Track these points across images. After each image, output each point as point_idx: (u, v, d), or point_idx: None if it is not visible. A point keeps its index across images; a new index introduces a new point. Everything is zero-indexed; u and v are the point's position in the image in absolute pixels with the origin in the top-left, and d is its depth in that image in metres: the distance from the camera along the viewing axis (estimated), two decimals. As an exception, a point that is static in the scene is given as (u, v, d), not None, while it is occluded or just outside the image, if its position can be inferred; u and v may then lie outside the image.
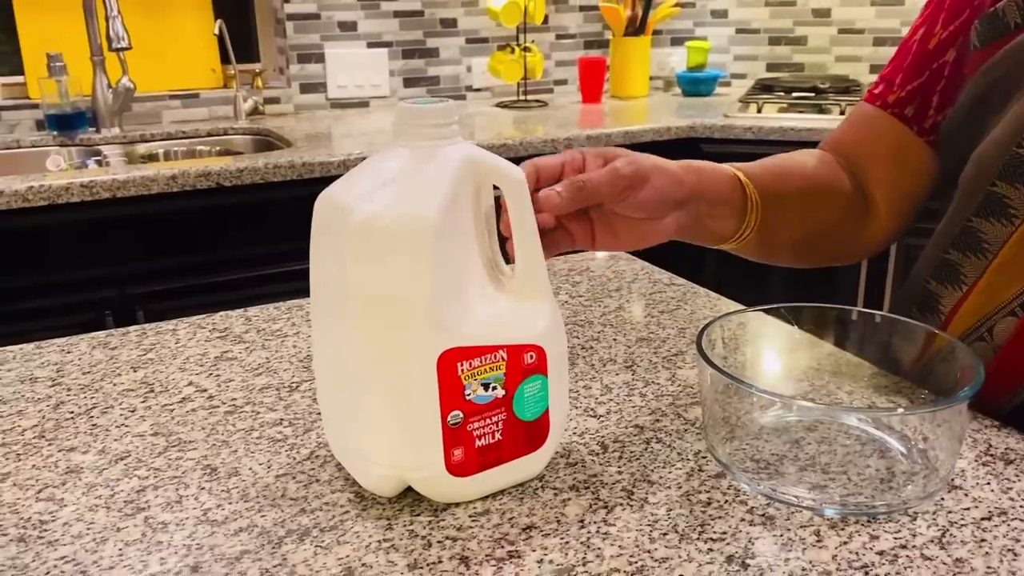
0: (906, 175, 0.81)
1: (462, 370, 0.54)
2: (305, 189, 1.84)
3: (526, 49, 2.50)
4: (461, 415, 0.54)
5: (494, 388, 0.55)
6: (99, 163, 2.12)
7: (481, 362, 0.55)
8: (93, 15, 2.08)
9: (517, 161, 0.59)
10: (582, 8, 2.75)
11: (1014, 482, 0.58)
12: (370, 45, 2.46)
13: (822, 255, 0.85)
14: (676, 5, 2.71)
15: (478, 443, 0.56)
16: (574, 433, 0.67)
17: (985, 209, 0.69)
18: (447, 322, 0.53)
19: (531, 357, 0.57)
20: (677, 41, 2.83)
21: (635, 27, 2.63)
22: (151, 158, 2.16)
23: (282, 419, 0.71)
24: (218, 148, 2.20)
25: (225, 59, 2.31)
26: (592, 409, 0.71)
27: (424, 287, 0.52)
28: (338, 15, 2.40)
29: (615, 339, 0.86)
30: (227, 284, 1.80)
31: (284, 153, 1.88)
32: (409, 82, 2.54)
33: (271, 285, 1.77)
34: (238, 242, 1.80)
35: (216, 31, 2.20)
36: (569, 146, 2.08)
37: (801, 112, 2.25)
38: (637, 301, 0.97)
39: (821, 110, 2.25)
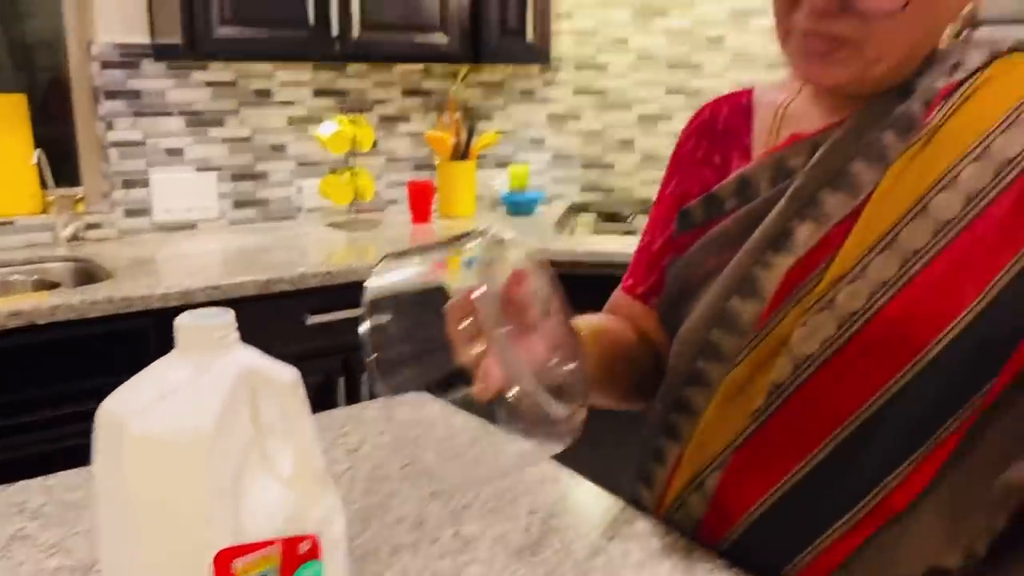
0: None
1: (236, 567, 0.59)
2: (126, 323, 1.83)
3: (355, 172, 2.60)
4: (236, 609, 0.60)
5: (268, 579, 0.61)
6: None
7: (256, 557, 0.60)
8: None
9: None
10: (410, 134, 2.90)
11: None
12: (198, 170, 2.49)
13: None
14: (497, 133, 2.90)
15: (255, 632, 0.61)
16: (357, 601, 0.73)
17: (691, 380, 0.82)
18: (222, 524, 0.59)
19: (306, 546, 0.63)
20: (500, 165, 3.02)
21: (460, 153, 2.80)
22: (-42, 289, 2.08)
23: (72, 606, 0.73)
24: (34, 278, 2.15)
25: (45, 184, 2.27)
26: (380, 573, 0.77)
27: (199, 495, 0.58)
28: (164, 142, 2.42)
29: (409, 494, 0.93)
30: (38, 423, 1.75)
31: (102, 287, 1.87)
32: (239, 204, 2.58)
33: (86, 423, 1.73)
34: (52, 379, 1.76)
35: (34, 160, 2.17)
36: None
37: (609, 234, 2.45)
38: (434, 449, 1.05)
39: (626, 232, 2.47)
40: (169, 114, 2.42)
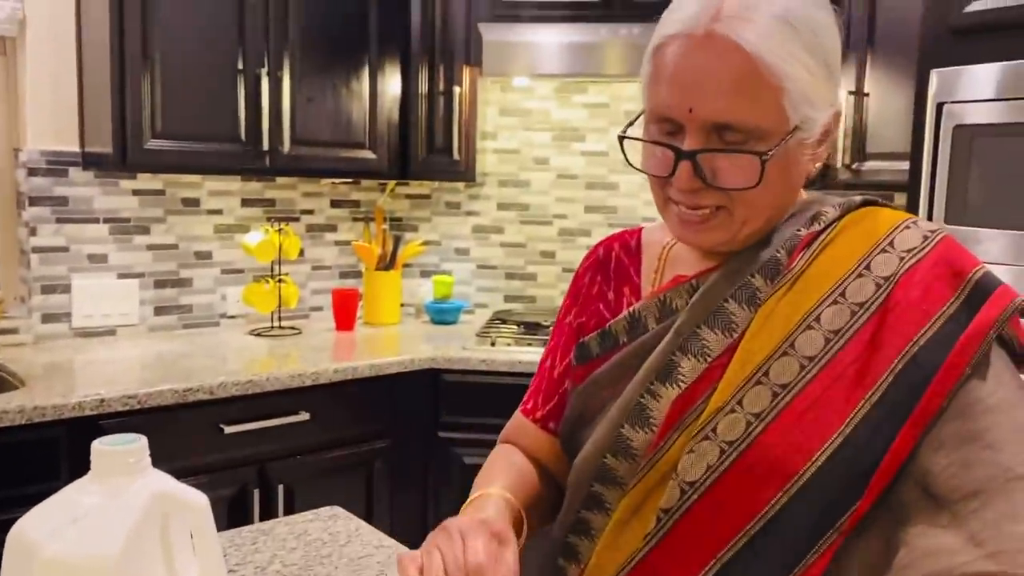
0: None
1: None
2: (38, 432, 1.80)
3: (280, 281, 2.64)
4: None
5: None
6: None
7: None
8: None
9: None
10: (337, 243, 2.96)
11: None
12: (120, 276, 2.49)
13: None
14: (423, 243, 2.99)
15: None
16: None
17: (588, 503, 0.88)
18: (125, 647, 0.61)
19: (206, 667, 0.65)
20: (426, 274, 3.10)
21: (386, 262, 2.86)
22: None
23: None
24: (-60, 384, 2.10)
25: (-42, 289, 2.24)
26: None
27: (103, 619, 0.60)
28: (88, 248, 2.43)
29: (317, 612, 0.95)
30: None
31: (14, 396, 1.84)
32: (160, 310, 2.58)
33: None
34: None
35: (-50, 264, 2.15)
36: (316, 381, 2.19)
37: (529, 345, 2.52)
38: (345, 568, 1.07)
39: (545, 343, 2.53)
40: (95, 220, 2.44)
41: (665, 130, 0.83)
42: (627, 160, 0.86)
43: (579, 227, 3.02)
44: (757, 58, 0.77)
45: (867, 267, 0.82)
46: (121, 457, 0.65)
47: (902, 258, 0.81)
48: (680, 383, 0.84)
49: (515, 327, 2.67)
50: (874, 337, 0.79)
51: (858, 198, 0.88)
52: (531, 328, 2.63)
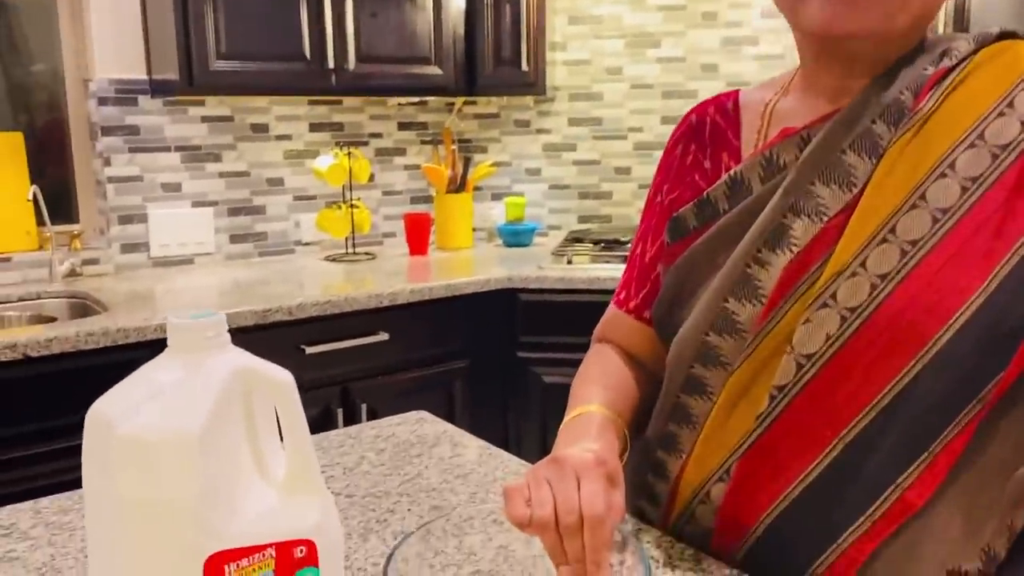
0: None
1: (230, 571, 0.57)
2: (123, 355, 1.81)
3: (353, 206, 2.60)
4: (229, 615, 0.57)
5: (262, 585, 0.59)
6: None
7: (249, 562, 0.58)
8: None
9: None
10: (406, 167, 2.90)
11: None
12: (195, 204, 2.49)
13: None
14: (493, 165, 2.91)
15: (248, 640, 0.58)
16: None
17: (688, 388, 0.81)
18: (213, 527, 0.57)
19: (301, 551, 0.61)
20: (497, 196, 3.02)
21: (456, 185, 2.80)
22: (-47, 326, 2.06)
23: (60, 625, 0.70)
24: (29, 314, 2.13)
25: (41, 221, 2.27)
26: (377, 587, 0.75)
27: (189, 496, 0.56)
28: (161, 177, 2.43)
29: (409, 509, 0.91)
30: (33, 458, 1.72)
31: (98, 320, 1.85)
32: (236, 238, 2.57)
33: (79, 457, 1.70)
34: (46, 412, 1.73)
35: (30, 196, 2.17)
36: (394, 302, 2.16)
37: (607, 262, 2.44)
38: (435, 467, 1.03)
39: (624, 259, 2.45)
40: (166, 149, 2.43)
41: None
42: None
43: (656, 140, 2.89)
44: None
45: (1010, 104, 0.71)
46: (199, 331, 0.61)
47: None
48: (792, 247, 0.75)
49: (592, 246, 2.58)
50: (1020, 182, 0.69)
51: (995, 29, 0.77)
52: (608, 246, 2.54)
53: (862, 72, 0.78)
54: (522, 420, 2.43)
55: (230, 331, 0.63)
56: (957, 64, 0.74)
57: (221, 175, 2.53)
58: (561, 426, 0.83)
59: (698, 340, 0.80)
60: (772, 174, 0.80)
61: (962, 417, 0.68)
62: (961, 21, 2.22)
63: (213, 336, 0.62)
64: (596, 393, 0.86)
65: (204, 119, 2.48)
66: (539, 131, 2.98)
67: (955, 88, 0.74)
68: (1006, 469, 0.69)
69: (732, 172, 0.83)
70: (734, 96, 0.91)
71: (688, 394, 0.81)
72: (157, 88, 2.34)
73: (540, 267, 2.44)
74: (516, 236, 2.87)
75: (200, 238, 2.51)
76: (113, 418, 0.58)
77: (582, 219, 2.99)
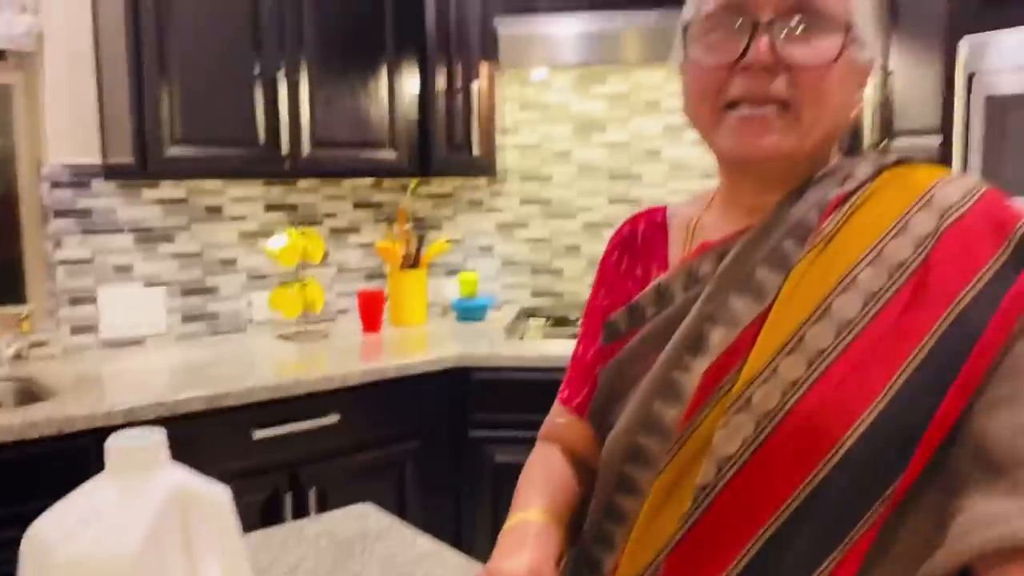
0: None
1: None
2: (69, 444, 1.80)
3: (305, 284, 2.62)
4: None
5: None
6: None
7: None
8: None
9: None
10: (361, 245, 2.95)
11: None
12: (147, 285, 2.50)
13: None
14: (447, 242, 2.97)
15: None
16: None
17: (620, 487, 0.84)
18: (146, 649, 0.58)
19: (232, 668, 0.63)
20: (451, 272, 3.07)
21: (411, 262, 2.85)
22: None
23: None
24: (-28, 399, 2.11)
25: (-13, 304, 2.25)
26: None
27: (122, 620, 0.57)
28: (113, 259, 2.43)
29: (348, 611, 0.92)
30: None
31: (43, 407, 1.84)
32: (187, 318, 2.58)
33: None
34: (-14, 505, 1.71)
35: (-22, 279, 2.16)
36: (345, 383, 2.18)
37: (558, 339, 2.49)
38: (378, 566, 1.04)
39: (574, 336, 2.50)
40: (119, 231, 2.44)
41: (728, 21, 0.80)
42: (685, 54, 0.84)
43: (604, 219, 2.98)
44: None
45: (905, 226, 0.78)
46: (137, 453, 0.63)
47: (942, 215, 0.77)
48: (710, 355, 0.80)
49: (543, 322, 2.64)
50: (915, 297, 0.75)
51: (892, 156, 0.84)
52: (559, 322, 2.60)
53: (774, 189, 0.85)
54: (474, 500, 2.43)
55: (178, 417, 0.66)
56: (858, 188, 0.81)
57: (174, 256, 2.54)
58: (500, 533, 0.86)
59: (628, 441, 0.84)
60: (693, 285, 0.86)
61: (869, 515, 0.73)
62: (888, 120, 2.36)
63: (152, 457, 0.64)
64: (536, 497, 0.90)
65: (158, 201, 2.50)
66: (492, 210, 3.05)
67: (856, 209, 0.80)
68: (915, 562, 0.74)
69: (658, 281, 0.89)
70: (663, 211, 0.99)
71: (620, 493, 0.85)
72: (111, 172, 2.37)
73: (492, 345, 2.48)
74: (469, 311, 2.92)
75: (151, 318, 2.51)
76: (50, 542, 0.60)
77: (535, 294, 3.05)
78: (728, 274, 0.82)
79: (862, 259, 0.77)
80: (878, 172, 0.83)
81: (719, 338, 0.81)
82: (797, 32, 0.78)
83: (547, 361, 2.36)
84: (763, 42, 0.78)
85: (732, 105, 0.81)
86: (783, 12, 0.78)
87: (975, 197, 0.77)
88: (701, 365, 0.81)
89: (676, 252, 0.93)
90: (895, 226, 0.78)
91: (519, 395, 2.36)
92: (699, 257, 0.87)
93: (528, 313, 2.76)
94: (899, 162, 0.84)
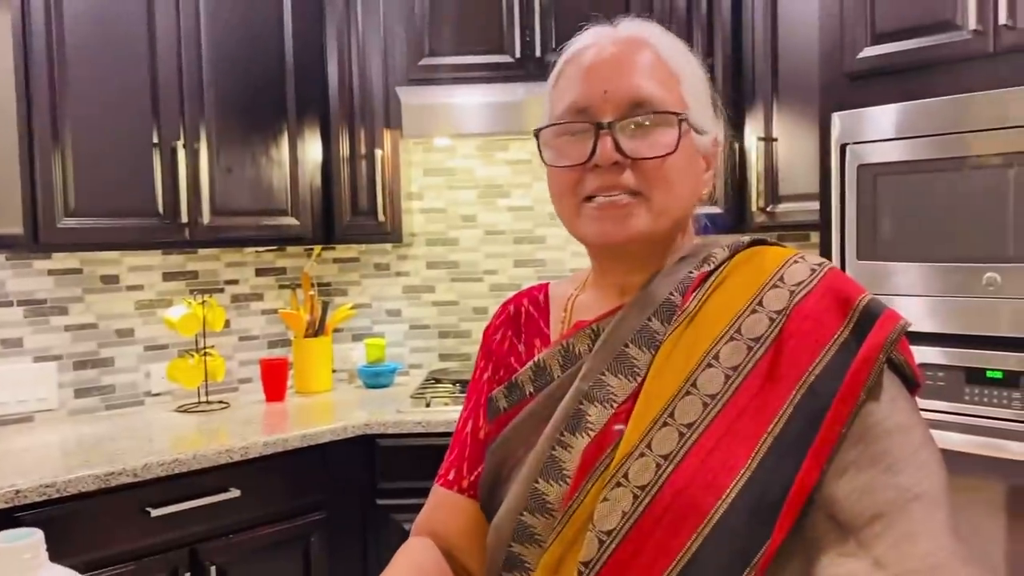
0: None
1: None
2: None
3: (206, 354, 2.57)
4: None
5: None
6: None
7: None
8: None
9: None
10: (264, 312, 2.91)
11: None
12: (36, 360, 2.40)
13: None
14: (353, 307, 2.96)
15: None
16: None
17: (508, 565, 0.86)
18: None
19: None
20: (357, 337, 3.06)
21: (315, 329, 2.82)
22: None
23: None
24: None
25: None
26: None
27: None
28: (1, 332, 2.34)
29: None
30: None
31: (-80, 493, 1.74)
32: (80, 392, 2.48)
33: None
34: None
35: None
36: (245, 456, 2.13)
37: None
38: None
39: (482, 401, 2.52)
40: (8, 304, 2.35)
41: (575, 126, 0.87)
42: (542, 158, 0.90)
43: (510, 282, 3.03)
44: (659, 49, 0.89)
45: (760, 303, 0.84)
46: (15, 554, 0.62)
47: (792, 291, 0.83)
48: (589, 432, 0.84)
49: (451, 386, 2.65)
50: (771, 370, 0.80)
51: (746, 238, 0.91)
52: (467, 386, 2.61)
53: (640, 268, 0.91)
54: (381, 567, 2.38)
55: (71, 498, 0.64)
56: (715, 269, 0.87)
57: (67, 328, 2.46)
58: None
59: (514, 520, 0.86)
60: (570, 363, 0.90)
61: None
62: (774, 186, 2.50)
63: (30, 558, 0.63)
64: None
65: (51, 272, 2.43)
66: (398, 274, 3.07)
67: (715, 289, 0.86)
68: None
69: (536, 359, 0.93)
70: (544, 288, 1.03)
71: (508, 571, 0.86)
72: (0, 244, 2.29)
73: (399, 410, 2.47)
74: (376, 377, 2.90)
75: (41, 394, 2.41)
76: (-83, 655, 0.57)
77: (443, 356, 3.06)
78: (602, 353, 0.87)
79: (722, 335, 0.83)
80: (734, 253, 0.89)
81: (596, 416, 0.84)
82: (637, 129, 0.86)
83: (453, 426, 2.35)
84: (607, 142, 0.85)
85: (589, 198, 0.87)
86: (623, 112, 0.86)
87: (821, 274, 0.84)
88: (581, 443, 0.84)
89: (556, 328, 0.98)
90: (750, 303, 0.84)
91: (427, 461, 2.33)
92: (575, 335, 0.91)
93: (436, 377, 2.77)
94: (754, 243, 0.90)
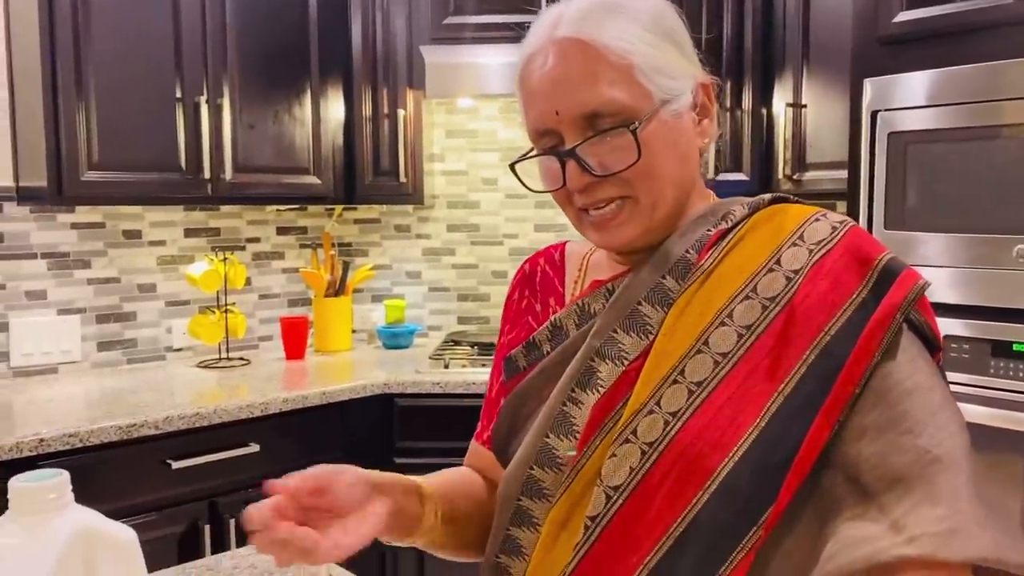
0: None
1: None
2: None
3: (227, 311, 2.59)
4: None
5: None
6: None
7: None
8: None
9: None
10: (284, 271, 2.92)
11: None
12: (60, 312, 2.43)
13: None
14: (373, 268, 2.96)
15: None
16: None
17: (516, 520, 0.87)
18: None
19: None
20: (377, 298, 3.07)
21: (335, 288, 2.83)
22: None
23: None
24: None
25: None
26: None
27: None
28: (25, 285, 2.36)
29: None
30: None
31: (-53, 440, 1.77)
32: (103, 346, 2.51)
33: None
34: None
35: None
36: (266, 412, 2.15)
37: (483, 366, 2.50)
38: (293, 598, 1.04)
39: (501, 364, 2.52)
40: (32, 257, 2.37)
41: (548, 145, 0.85)
42: (525, 186, 0.88)
43: (530, 246, 3.01)
44: (599, 44, 0.82)
45: (778, 261, 0.82)
46: (40, 494, 0.63)
47: (811, 250, 0.81)
48: (599, 388, 0.84)
49: (469, 348, 2.65)
50: (785, 330, 0.79)
51: (767, 196, 0.89)
52: (485, 349, 2.61)
53: (654, 243, 0.89)
54: (399, 527, 2.42)
55: (94, 448, 0.65)
56: (734, 227, 0.86)
57: (90, 282, 2.48)
58: None
59: (523, 473, 0.87)
60: (584, 321, 0.90)
61: (746, 541, 0.76)
62: (801, 154, 2.46)
63: (55, 498, 0.63)
64: (430, 478, 0.93)
65: (74, 225, 2.44)
66: (419, 236, 3.06)
67: (732, 247, 0.85)
68: None
69: (553, 318, 0.93)
70: (561, 248, 1.03)
71: (517, 526, 0.87)
72: (25, 196, 2.30)
73: (418, 371, 2.48)
74: (395, 338, 2.91)
75: (65, 346, 2.43)
76: (-53, 588, 0.58)
77: (461, 320, 3.06)
78: (615, 311, 0.86)
79: (737, 294, 0.82)
80: (754, 211, 0.87)
81: (607, 372, 0.84)
82: (599, 144, 0.82)
83: (471, 388, 2.37)
84: (572, 168, 0.83)
85: (584, 209, 0.86)
86: (579, 128, 0.82)
87: (842, 232, 0.82)
88: (591, 399, 0.84)
89: (571, 287, 0.98)
90: (768, 262, 0.82)
91: (444, 422, 2.36)
92: (590, 294, 0.91)
93: (454, 339, 2.78)
94: (775, 200, 0.88)
